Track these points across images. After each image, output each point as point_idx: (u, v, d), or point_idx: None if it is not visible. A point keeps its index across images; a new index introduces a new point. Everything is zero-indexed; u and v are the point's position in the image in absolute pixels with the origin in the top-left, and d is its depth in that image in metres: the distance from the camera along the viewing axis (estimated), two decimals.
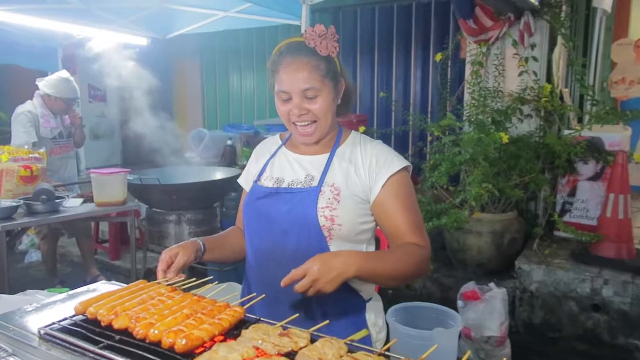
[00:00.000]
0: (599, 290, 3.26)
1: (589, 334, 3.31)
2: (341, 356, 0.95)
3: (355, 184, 1.43)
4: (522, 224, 3.83)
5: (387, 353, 0.98)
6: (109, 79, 7.36)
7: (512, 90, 4.03)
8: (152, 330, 1.01)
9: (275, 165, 1.55)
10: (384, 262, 1.32)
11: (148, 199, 3.65)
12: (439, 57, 4.53)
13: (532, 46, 4.01)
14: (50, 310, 1.29)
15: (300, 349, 0.98)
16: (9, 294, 1.64)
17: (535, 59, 3.98)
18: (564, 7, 3.99)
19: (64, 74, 3.95)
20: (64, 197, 3.08)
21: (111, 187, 3.11)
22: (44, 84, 3.79)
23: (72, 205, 3.10)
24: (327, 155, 1.48)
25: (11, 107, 3.94)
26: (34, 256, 4.92)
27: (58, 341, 1.07)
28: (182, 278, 1.34)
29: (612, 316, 3.23)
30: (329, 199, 1.40)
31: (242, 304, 1.22)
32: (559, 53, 4.11)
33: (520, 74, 3.99)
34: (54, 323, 1.12)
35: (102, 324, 1.09)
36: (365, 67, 6.14)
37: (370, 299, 1.54)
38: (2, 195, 3.07)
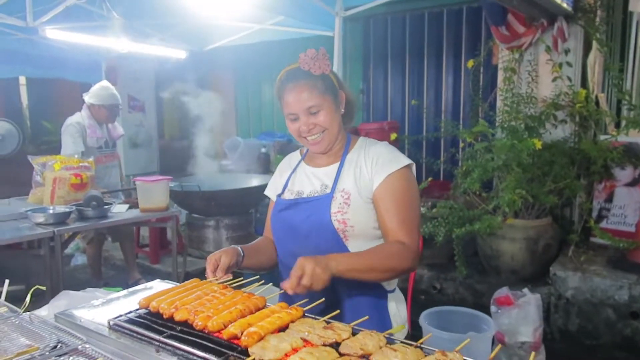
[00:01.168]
0: (638, 297, 3.22)
1: (627, 342, 3.27)
2: (381, 347, 1.03)
3: (362, 186, 1.56)
4: (556, 230, 3.80)
5: (422, 346, 1.05)
6: (148, 91, 7.66)
7: (546, 96, 4.02)
8: (211, 322, 1.11)
9: (295, 180, 1.71)
10: (362, 259, 1.44)
11: (188, 205, 3.80)
12: (470, 63, 4.56)
13: (566, 51, 4.00)
14: (114, 304, 1.42)
15: (343, 340, 1.06)
16: None
17: (569, 64, 3.97)
18: (598, 12, 3.97)
19: (104, 83, 4.17)
20: (111, 204, 3.26)
21: (155, 193, 3.27)
22: (88, 95, 4.02)
23: (119, 211, 3.28)
24: (337, 164, 1.63)
25: (58, 119, 4.18)
26: (79, 259, 5.16)
27: (126, 331, 1.18)
28: (230, 277, 1.46)
29: None
30: (340, 203, 1.55)
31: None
32: (594, 58, 4.08)
33: (554, 80, 3.98)
34: (121, 315, 1.25)
35: (164, 316, 1.20)
36: (396, 75, 6.19)
37: (393, 290, 1.67)
38: (55, 201, 3.27)
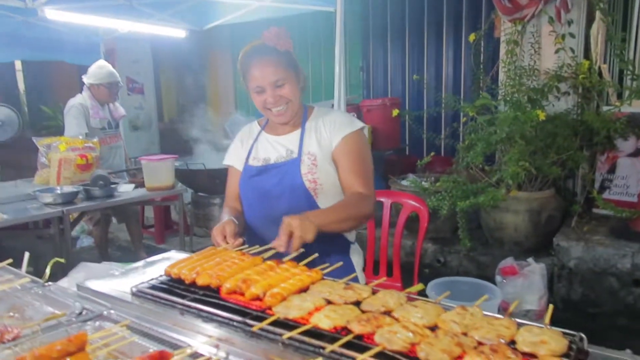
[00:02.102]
0: None
1: (629, 309, 3.32)
2: (402, 304, 1.05)
3: (323, 147, 1.74)
4: (559, 201, 3.83)
5: (442, 302, 1.08)
6: (147, 72, 7.60)
7: (549, 68, 4.00)
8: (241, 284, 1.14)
9: (259, 148, 1.84)
10: (333, 212, 1.61)
11: (194, 183, 3.82)
12: (472, 37, 4.52)
13: (569, 22, 3.98)
14: (134, 274, 1.45)
15: (364, 299, 1.09)
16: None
17: (572, 35, 3.95)
18: None
19: (100, 62, 4.15)
20: (118, 183, 3.27)
21: (161, 172, 3.29)
22: (87, 76, 4.01)
23: (125, 190, 3.30)
24: (299, 131, 1.79)
25: (57, 102, 4.15)
26: (85, 241, 5.20)
27: (149, 296, 1.21)
28: (241, 241, 1.50)
29: None
30: (309, 165, 1.71)
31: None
32: (598, 28, 4.04)
33: (557, 52, 3.96)
34: (143, 282, 1.27)
35: (186, 282, 1.23)
36: (396, 51, 6.15)
37: (354, 242, 1.86)
38: (61, 182, 3.28)
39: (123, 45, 6.72)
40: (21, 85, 9.31)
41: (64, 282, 1.53)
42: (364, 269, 1.95)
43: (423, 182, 4.21)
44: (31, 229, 4.12)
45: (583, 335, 0.91)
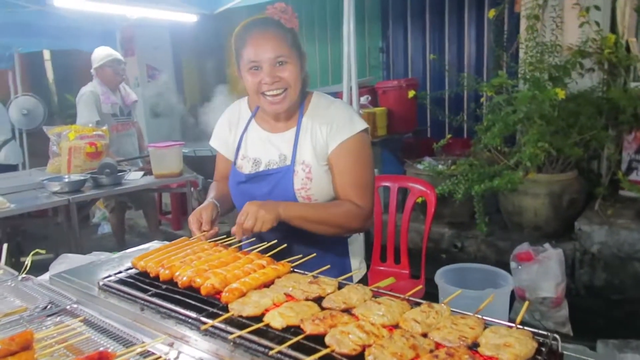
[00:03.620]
0: None
1: None
2: (365, 301, 0.99)
3: (318, 152, 1.54)
4: (582, 184, 3.65)
5: (411, 298, 1.01)
6: (166, 59, 7.63)
7: (572, 44, 3.79)
8: (197, 279, 1.09)
9: (249, 144, 1.63)
10: (312, 210, 1.48)
11: (203, 170, 3.81)
12: (492, 13, 4.31)
13: None
14: (108, 266, 1.42)
15: (328, 294, 1.03)
16: None
17: (597, 7, 3.71)
18: None
19: (99, 47, 4.18)
20: (125, 171, 3.29)
21: (168, 159, 3.28)
22: (92, 64, 4.05)
23: (134, 177, 3.31)
24: (294, 130, 1.57)
25: (77, 90, 4.20)
26: (106, 228, 5.30)
27: (114, 291, 1.18)
28: (217, 230, 1.44)
29: None
30: (302, 179, 1.52)
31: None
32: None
33: (580, 25, 3.74)
34: (110, 276, 1.24)
35: (151, 275, 1.19)
36: (416, 31, 5.96)
37: (350, 236, 1.67)
38: (71, 170, 3.32)
39: (141, 32, 6.74)
40: (50, 75, 9.51)
41: (46, 275, 1.53)
42: (365, 257, 1.82)
43: (440, 166, 4.09)
44: (50, 216, 4.22)
45: (557, 336, 0.83)
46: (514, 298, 3.02)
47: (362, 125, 1.55)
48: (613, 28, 3.83)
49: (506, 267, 3.07)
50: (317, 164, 1.53)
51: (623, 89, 3.60)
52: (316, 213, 1.47)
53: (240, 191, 1.61)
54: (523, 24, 4.08)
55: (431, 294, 2.66)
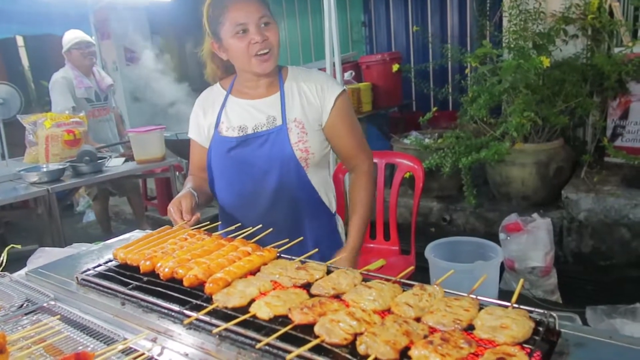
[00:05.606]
0: None
1: None
2: (355, 285, 0.95)
3: (312, 113, 1.56)
4: (569, 152, 3.65)
5: (403, 280, 0.98)
6: (143, 41, 7.42)
7: (555, 10, 3.74)
8: (179, 270, 1.05)
9: (230, 115, 1.60)
10: (361, 221, 1.63)
11: (186, 153, 3.72)
12: None
13: None
14: (88, 259, 1.37)
15: (316, 280, 0.99)
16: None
17: None
18: None
19: (68, 31, 4.06)
20: (106, 158, 3.20)
21: (149, 144, 3.20)
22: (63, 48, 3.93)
23: (115, 164, 3.23)
24: (278, 94, 1.57)
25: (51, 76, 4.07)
26: (91, 216, 5.21)
27: (93, 285, 1.13)
28: (198, 217, 1.40)
29: None
30: (298, 133, 1.53)
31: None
32: None
33: None
34: (89, 269, 1.19)
35: (133, 267, 1.15)
36: (398, 2, 5.87)
37: (335, 212, 1.74)
38: (50, 159, 3.22)
39: (116, 14, 6.53)
40: (25, 62, 9.22)
41: (23, 271, 1.47)
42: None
43: (426, 139, 4.05)
44: (32, 207, 4.12)
45: (554, 314, 0.80)
46: (504, 268, 3.03)
47: (342, 85, 1.67)
48: None
49: (495, 237, 3.07)
50: (308, 120, 1.55)
51: (607, 55, 3.57)
52: (365, 218, 1.63)
53: (231, 158, 1.57)
54: None
55: (422, 268, 2.65)
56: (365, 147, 1.67)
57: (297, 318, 0.83)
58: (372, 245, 2.63)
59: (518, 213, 3.15)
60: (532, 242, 2.91)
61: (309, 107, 1.56)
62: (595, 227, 3.33)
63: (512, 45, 3.61)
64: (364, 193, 1.64)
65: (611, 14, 3.71)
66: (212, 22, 1.49)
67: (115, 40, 6.60)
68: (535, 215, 3.04)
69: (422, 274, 2.59)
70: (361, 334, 0.78)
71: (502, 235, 3.04)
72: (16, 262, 1.54)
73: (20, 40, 8.65)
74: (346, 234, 1.78)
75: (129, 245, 1.22)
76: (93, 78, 3.99)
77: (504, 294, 2.83)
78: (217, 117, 1.61)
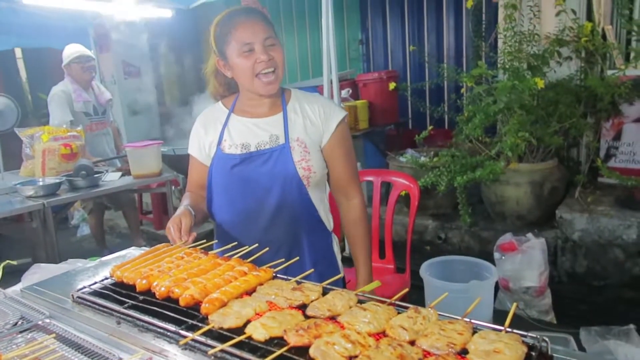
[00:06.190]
0: None
1: (636, 281, 3.21)
2: (350, 307, 0.96)
3: (314, 134, 1.59)
4: (563, 172, 3.69)
5: (397, 302, 0.98)
6: (142, 55, 7.47)
7: (549, 33, 3.80)
8: (175, 290, 1.05)
9: (232, 133, 1.61)
10: (366, 251, 1.70)
11: (183, 168, 3.73)
12: (470, 3, 4.31)
13: None
14: (84, 276, 1.37)
15: (312, 301, 1.00)
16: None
17: None
18: None
19: (69, 45, 4.09)
20: (102, 172, 3.20)
21: (146, 159, 3.20)
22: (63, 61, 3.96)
23: (111, 179, 3.23)
24: (280, 114, 1.60)
25: (50, 89, 4.09)
26: (85, 230, 5.19)
27: (89, 303, 1.13)
28: (195, 236, 1.41)
29: None
30: (301, 152, 1.56)
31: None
32: None
33: (557, 14, 3.75)
34: (85, 287, 1.19)
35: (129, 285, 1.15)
36: (395, 22, 5.95)
37: (332, 230, 1.75)
38: (46, 173, 3.22)
39: (115, 28, 6.59)
40: (23, 74, 9.25)
41: (19, 286, 1.47)
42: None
43: (422, 158, 4.08)
44: (27, 220, 4.11)
45: (546, 339, 0.81)
46: (498, 288, 3.04)
47: (344, 110, 1.68)
48: (589, 16, 3.85)
49: (490, 256, 3.08)
50: (310, 141, 1.58)
51: (600, 77, 3.62)
52: (368, 248, 1.69)
53: (234, 174, 1.58)
54: (501, 13, 4.07)
55: (416, 287, 2.65)
56: (357, 179, 1.70)
57: (293, 340, 0.84)
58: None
59: (513, 232, 3.16)
60: (526, 261, 2.91)
61: (312, 128, 1.59)
62: (589, 247, 3.35)
63: (507, 66, 3.66)
64: (362, 226, 1.69)
65: (604, 37, 3.78)
66: (218, 40, 1.53)
67: (114, 53, 6.64)
68: (529, 235, 3.05)
69: (417, 293, 2.59)
70: (356, 356, 0.78)
71: (496, 255, 3.04)
72: (9, 275, 1.53)
73: (18, 52, 8.69)
74: (341, 252, 1.80)
75: (126, 264, 1.23)
76: (92, 92, 4.02)
77: (499, 314, 2.83)
78: (219, 134, 1.62)
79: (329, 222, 1.72)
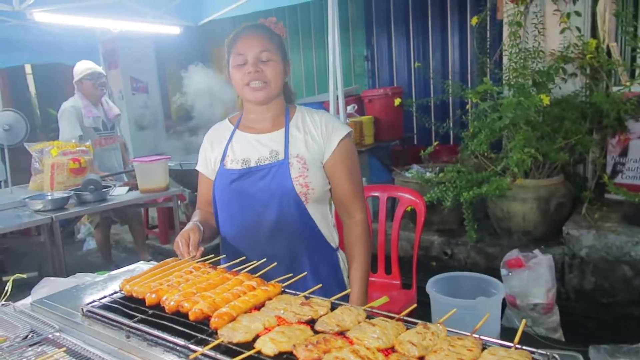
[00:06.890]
0: None
1: None
2: (359, 322, 0.96)
3: (315, 151, 1.60)
4: (569, 188, 3.68)
5: (405, 318, 0.99)
6: (150, 71, 7.57)
7: (554, 50, 3.83)
8: (184, 304, 1.06)
9: (235, 148, 1.65)
10: (365, 274, 1.65)
11: (189, 183, 3.76)
12: (474, 20, 4.36)
13: (574, 0, 3.79)
14: (93, 290, 1.38)
15: (320, 316, 1.00)
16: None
17: (578, 13, 3.77)
18: None
19: (81, 61, 4.17)
20: (110, 187, 3.23)
21: (153, 174, 3.23)
22: (74, 77, 4.02)
23: (119, 193, 3.25)
24: (283, 130, 1.62)
25: (60, 105, 4.15)
26: (92, 244, 5.20)
27: (98, 317, 1.14)
28: (202, 250, 1.42)
29: None
30: (299, 168, 1.56)
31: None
32: (604, 5, 3.85)
33: (562, 31, 3.78)
34: (94, 301, 1.20)
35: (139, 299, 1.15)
36: (400, 38, 6.01)
37: (337, 247, 1.75)
38: (55, 187, 3.25)
39: (124, 44, 6.68)
40: (32, 89, 9.37)
41: (28, 299, 1.48)
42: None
43: (427, 173, 4.09)
44: (34, 234, 4.13)
45: (556, 355, 0.81)
46: (505, 304, 3.02)
47: (348, 127, 1.68)
48: (594, 33, 3.87)
49: (496, 272, 3.06)
50: (310, 157, 1.58)
51: (605, 93, 3.63)
52: (367, 271, 1.65)
53: (233, 190, 1.60)
54: (505, 30, 4.12)
55: (423, 303, 2.64)
56: (361, 197, 1.67)
57: (302, 355, 0.84)
58: (373, 278, 2.62)
59: (519, 248, 3.15)
60: (533, 278, 2.90)
61: (313, 144, 1.59)
62: (597, 264, 3.33)
63: (512, 83, 3.68)
64: (362, 245, 1.65)
65: (609, 53, 3.80)
66: (227, 54, 1.60)
67: (122, 69, 6.72)
68: (536, 251, 3.04)
69: (423, 309, 2.58)
70: None
71: (503, 271, 3.03)
72: (16, 289, 1.54)
73: (28, 68, 8.82)
74: (348, 270, 1.80)
75: (135, 278, 1.24)
76: (101, 107, 4.07)
77: (506, 331, 2.81)
78: (223, 150, 1.66)
79: (332, 238, 1.71)
